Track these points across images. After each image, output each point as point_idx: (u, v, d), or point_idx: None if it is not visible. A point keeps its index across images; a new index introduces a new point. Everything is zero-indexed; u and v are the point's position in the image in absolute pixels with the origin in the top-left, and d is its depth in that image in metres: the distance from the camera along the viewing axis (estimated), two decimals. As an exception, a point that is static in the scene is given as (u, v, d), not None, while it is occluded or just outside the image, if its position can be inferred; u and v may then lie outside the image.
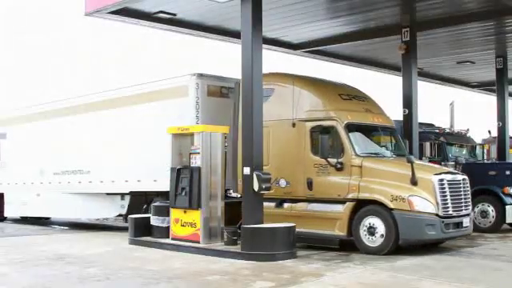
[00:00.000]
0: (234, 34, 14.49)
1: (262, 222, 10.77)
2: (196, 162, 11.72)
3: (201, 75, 13.16)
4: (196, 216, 11.47)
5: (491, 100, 20.27)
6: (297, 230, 10.75)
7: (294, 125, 11.83)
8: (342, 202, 11.11)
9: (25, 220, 19.41)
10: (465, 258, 10.38)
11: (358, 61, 18.91)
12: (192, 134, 11.98)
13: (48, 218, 19.55)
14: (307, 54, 17.39)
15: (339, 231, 11.04)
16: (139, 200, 14.81)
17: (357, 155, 11.18)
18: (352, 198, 10.97)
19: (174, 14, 13.64)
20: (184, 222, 11.69)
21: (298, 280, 8.41)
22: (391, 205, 10.48)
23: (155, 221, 12.38)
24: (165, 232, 12.12)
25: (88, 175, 15.77)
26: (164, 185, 12.53)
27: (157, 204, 12.66)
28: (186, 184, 11.69)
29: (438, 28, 14.54)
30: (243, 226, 10.64)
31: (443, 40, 16.08)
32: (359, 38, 15.60)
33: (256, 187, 10.60)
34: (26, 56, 39.52)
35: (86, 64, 38.49)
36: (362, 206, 10.89)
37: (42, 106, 18.38)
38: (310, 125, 11.69)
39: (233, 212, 11.95)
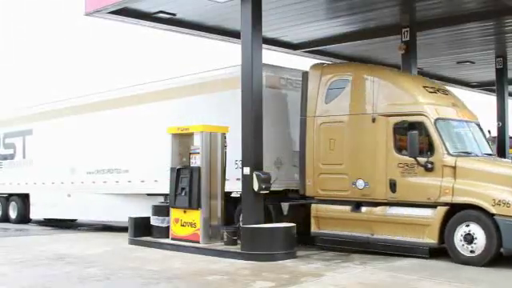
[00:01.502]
0: (234, 34, 14.48)
1: (262, 222, 10.77)
2: (196, 161, 11.73)
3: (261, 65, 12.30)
4: (196, 216, 11.47)
5: (491, 100, 20.27)
6: (376, 236, 10.34)
7: (373, 120, 10.77)
8: (432, 206, 10.02)
9: (48, 222, 18.44)
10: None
11: (357, 61, 18.90)
12: (192, 134, 12.00)
13: (74, 220, 18.50)
14: (307, 53, 17.38)
15: (429, 238, 9.94)
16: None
17: (449, 154, 10.08)
18: (445, 201, 9.86)
19: (174, 14, 13.63)
20: (184, 221, 11.70)
21: (297, 280, 8.42)
22: (493, 210, 9.33)
23: (155, 221, 12.39)
24: (165, 232, 12.13)
25: (127, 174, 14.66)
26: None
27: (156, 204, 12.66)
28: (186, 184, 11.68)
29: (437, 28, 14.53)
30: (243, 226, 10.64)
31: (443, 40, 16.07)
32: (359, 38, 15.59)
33: (256, 187, 10.60)
34: (26, 55, 39.48)
35: (87, 63, 38.44)
36: (457, 211, 9.78)
37: (73, 100, 17.25)
38: (393, 120, 10.58)
39: (297, 215, 11.62)
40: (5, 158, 19.60)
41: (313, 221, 11.47)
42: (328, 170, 11.34)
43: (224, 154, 11.88)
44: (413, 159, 10.19)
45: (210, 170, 11.60)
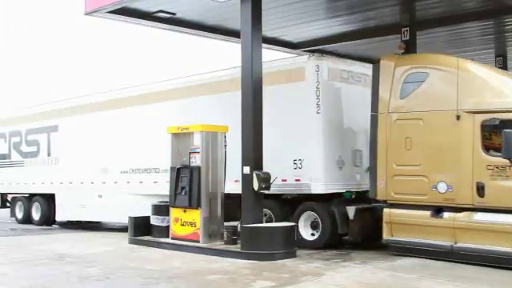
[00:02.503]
0: (234, 34, 14.47)
1: (262, 222, 10.77)
2: (196, 161, 11.73)
3: (321, 56, 11.72)
4: (196, 215, 11.47)
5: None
6: (460, 245, 9.60)
7: (458, 117, 9.75)
8: None
9: (71, 224, 17.59)
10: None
11: (357, 60, 18.88)
12: (192, 134, 11.99)
13: (98, 222, 17.29)
14: (307, 53, 17.35)
15: None
16: (235, 203, 12.03)
17: None
18: None
19: (174, 14, 13.61)
20: (184, 221, 11.69)
21: (297, 279, 8.41)
22: None
23: (155, 220, 12.39)
24: (165, 231, 12.13)
25: (167, 174, 13.16)
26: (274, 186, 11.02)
27: (156, 203, 12.65)
28: (186, 183, 11.68)
29: (437, 27, 14.53)
30: (243, 226, 10.64)
31: (443, 39, 16.05)
32: (359, 38, 15.57)
33: (256, 186, 10.59)
34: (25, 55, 39.50)
35: (86, 63, 38.46)
36: None
37: (105, 94, 16.20)
38: (481, 117, 9.55)
39: (365, 220, 11.19)
40: (27, 155, 18.57)
41: (385, 227, 10.58)
42: (403, 171, 10.44)
43: (224, 154, 11.87)
44: (506, 160, 9.23)
45: (209, 169, 11.59)
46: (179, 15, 13.81)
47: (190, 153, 12.03)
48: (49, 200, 17.51)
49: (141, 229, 12.60)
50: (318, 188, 11.35)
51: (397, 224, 10.46)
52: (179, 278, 8.73)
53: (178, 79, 14.36)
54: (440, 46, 16.89)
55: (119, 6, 12.70)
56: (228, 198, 11.87)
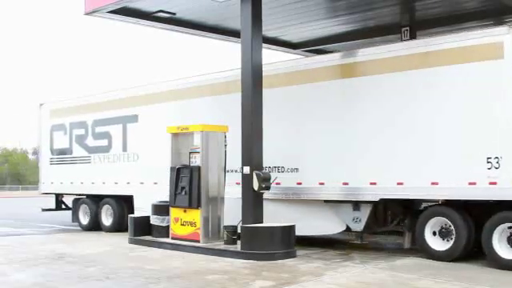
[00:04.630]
0: (234, 33, 14.49)
1: (262, 222, 10.77)
2: (196, 161, 11.74)
3: None
4: (196, 215, 11.47)
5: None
6: None
7: None
8: None
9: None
10: (464, 258, 10.37)
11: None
12: (192, 133, 12.00)
13: None
14: (307, 53, 17.37)
15: None
16: (392, 210, 10.88)
17: None
18: None
19: (174, 14, 13.62)
20: (184, 221, 11.70)
21: (297, 279, 8.41)
22: None
23: (155, 220, 12.39)
24: (165, 231, 12.14)
25: (295, 174, 11.60)
26: (448, 188, 9.57)
27: (156, 203, 12.65)
28: (186, 183, 11.69)
29: (437, 27, 14.52)
30: (242, 226, 10.64)
31: (443, 39, 16.05)
32: (359, 37, 15.57)
33: (256, 186, 10.60)
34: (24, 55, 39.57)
35: (86, 63, 38.53)
36: None
37: (205, 77, 13.46)
38: None
39: None
40: (95, 150, 16.04)
41: None
42: None
43: (224, 153, 11.87)
44: None
45: (209, 169, 11.59)
46: (179, 15, 13.82)
47: (190, 153, 12.04)
48: (121, 203, 15.22)
49: (141, 229, 12.61)
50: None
51: None
52: (179, 277, 8.73)
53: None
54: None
55: (119, 6, 12.71)
56: None
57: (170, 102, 14.12)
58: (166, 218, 12.14)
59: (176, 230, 11.85)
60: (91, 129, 16.26)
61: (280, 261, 9.98)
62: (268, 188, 10.76)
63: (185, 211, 11.70)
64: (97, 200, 15.88)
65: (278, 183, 11.41)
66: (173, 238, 11.87)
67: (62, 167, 17.07)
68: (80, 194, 16.63)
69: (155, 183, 13.96)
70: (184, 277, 8.82)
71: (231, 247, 10.84)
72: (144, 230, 12.56)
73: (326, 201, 11.25)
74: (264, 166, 11.11)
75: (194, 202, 11.51)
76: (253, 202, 10.72)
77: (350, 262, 9.97)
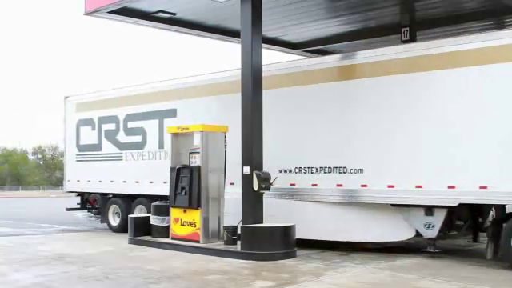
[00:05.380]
0: (234, 34, 14.49)
1: (262, 222, 10.78)
2: (196, 161, 11.74)
3: None
4: (196, 215, 11.48)
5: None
6: None
7: None
8: None
9: None
10: (464, 257, 10.38)
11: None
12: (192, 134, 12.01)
13: None
14: (307, 53, 17.38)
15: None
16: (470, 215, 10.26)
17: None
18: None
19: (174, 14, 13.64)
20: (184, 221, 11.70)
21: (297, 279, 8.41)
22: None
23: (155, 220, 12.39)
24: (164, 231, 12.14)
25: (358, 176, 10.75)
26: None
27: (156, 203, 12.66)
28: (186, 183, 11.69)
29: (437, 27, 14.54)
30: (242, 226, 10.64)
31: (443, 39, 16.06)
32: (359, 38, 15.59)
33: (256, 186, 10.60)
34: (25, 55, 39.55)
35: (86, 63, 38.51)
36: None
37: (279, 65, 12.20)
38: None
39: None
40: (127, 147, 14.98)
41: None
42: None
43: (224, 154, 11.87)
44: None
45: (209, 169, 11.59)
46: (179, 15, 13.84)
47: (190, 153, 12.04)
48: None
49: (141, 229, 12.60)
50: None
51: None
52: (179, 277, 8.73)
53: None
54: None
55: (119, 6, 12.72)
56: None
57: (212, 95, 13.11)
58: (166, 218, 12.14)
59: (176, 230, 11.85)
60: (123, 124, 15.11)
61: (280, 261, 9.98)
62: (268, 188, 10.76)
63: (185, 211, 11.70)
64: (129, 200, 14.90)
65: (339, 185, 10.85)
66: (173, 239, 11.87)
67: (90, 164, 16.02)
68: (109, 194, 15.65)
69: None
70: (184, 277, 8.81)
71: (231, 247, 10.84)
72: (144, 230, 12.56)
73: (392, 205, 10.39)
74: (328, 166, 10.83)
75: (193, 202, 11.51)
76: (253, 202, 10.72)
77: (349, 262, 9.97)
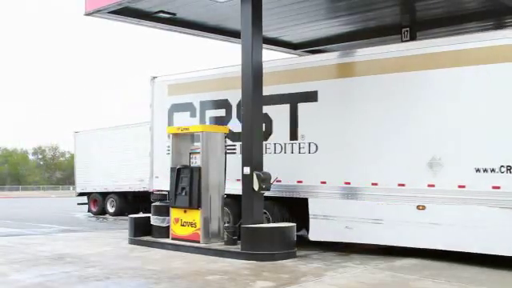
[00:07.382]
0: (234, 34, 14.49)
1: (262, 222, 10.78)
2: (196, 161, 11.75)
3: None
4: (196, 216, 11.48)
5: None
6: None
7: None
8: None
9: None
10: (465, 258, 10.37)
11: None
12: (192, 134, 12.00)
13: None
14: (307, 53, 17.38)
15: None
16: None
17: None
18: None
19: (174, 14, 13.63)
20: (184, 221, 11.70)
21: (298, 280, 8.41)
22: None
23: (155, 220, 12.39)
24: (165, 232, 12.14)
25: None
26: None
27: (156, 204, 12.65)
28: (186, 184, 11.69)
29: (437, 28, 14.54)
30: (243, 226, 10.64)
31: (443, 40, 16.06)
32: (359, 38, 15.58)
33: (256, 187, 10.60)
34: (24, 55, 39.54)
35: (86, 62, 38.50)
36: None
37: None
38: None
39: None
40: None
41: None
42: None
43: (224, 154, 11.86)
44: None
45: (210, 169, 11.58)
46: (179, 15, 13.83)
47: (190, 153, 12.04)
48: (285, 205, 11.85)
49: (141, 229, 12.60)
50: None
51: None
52: (179, 278, 8.73)
53: None
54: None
55: (120, 7, 12.71)
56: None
57: (372, 75, 10.66)
58: (167, 218, 12.14)
59: (176, 230, 11.85)
60: (236, 109, 12.52)
61: (280, 261, 9.98)
62: (268, 188, 10.76)
63: (185, 212, 11.70)
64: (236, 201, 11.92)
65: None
66: (173, 239, 11.87)
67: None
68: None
69: (348, 184, 10.70)
70: (184, 277, 8.81)
71: (231, 248, 10.84)
72: (144, 231, 12.56)
73: None
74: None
75: (194, 203, 11.51)
76: (253, 203, 10.72)
77: (350, 262, 9.97)
